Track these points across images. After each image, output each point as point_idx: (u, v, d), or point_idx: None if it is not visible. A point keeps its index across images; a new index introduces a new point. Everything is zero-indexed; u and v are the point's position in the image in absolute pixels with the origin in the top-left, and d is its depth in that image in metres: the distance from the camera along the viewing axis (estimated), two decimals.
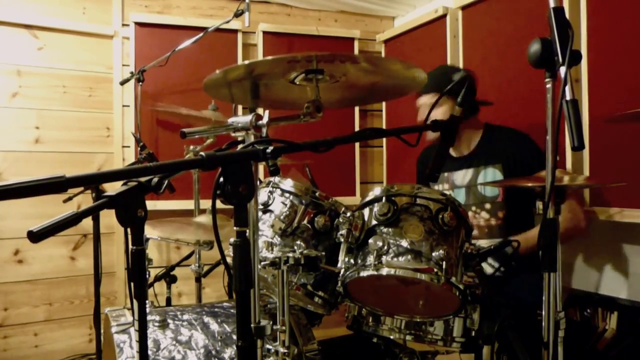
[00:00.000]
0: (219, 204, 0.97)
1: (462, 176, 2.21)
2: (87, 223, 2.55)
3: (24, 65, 2.92)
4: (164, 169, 0.90)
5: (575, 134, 1.04)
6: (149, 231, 2.22)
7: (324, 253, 1.48)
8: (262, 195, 1.64)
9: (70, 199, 2.61)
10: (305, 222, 1.59)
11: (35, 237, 0.74)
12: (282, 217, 1.59)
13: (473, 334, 1.54)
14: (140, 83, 2.81)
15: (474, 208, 2.15)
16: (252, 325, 1.12)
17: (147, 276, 2.27)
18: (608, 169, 2.02)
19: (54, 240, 2.83)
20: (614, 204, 2.00)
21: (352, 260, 1.50)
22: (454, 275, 1.43)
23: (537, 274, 1.34)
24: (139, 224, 0.88)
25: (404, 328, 1.59)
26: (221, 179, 0.95)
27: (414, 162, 2.57)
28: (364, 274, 1.44)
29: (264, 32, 3.26)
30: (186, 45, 2.62)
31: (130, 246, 0.90)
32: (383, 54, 3.50)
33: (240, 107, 2.82)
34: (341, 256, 1.51)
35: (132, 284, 0.91)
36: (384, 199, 1.50)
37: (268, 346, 1.34)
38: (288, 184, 1.64)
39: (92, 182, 0.85)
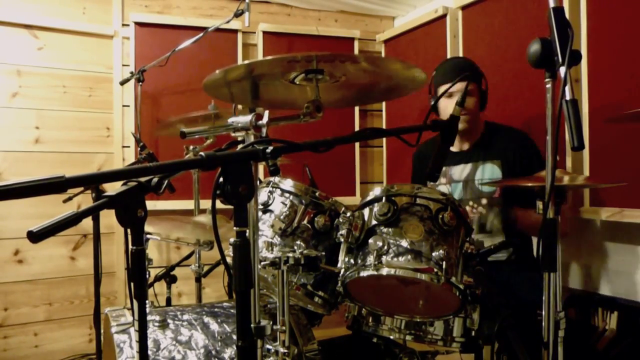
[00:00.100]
0: (219, 204, 0.97)
1: (460, 171, 2.21)
2: (87, 223, 2.55)
3: (24, 65, 2.92)
4: (164, 169, 0.90)
5: (575, 134, 1.04)
6: (148, 228, 2.22)
7: (324, 253, 1.48)
8: (262, 195, 1.64)
9: (70, 199, 2.61)
10: (305, 222, 1.59)
11: (35, 237, 0.74)
12: (282, 217, 1.58)
13: (473, 334, 1.54)
14: (140, 83, 2.81)
15: (471, 203, 2.15)
16: (252, 325, 1.12)
17: (147, 276, 2.27)
18: (608, 169, 2.02)
19: (54, 240, 2.83)
20: (614, 204, 2.00)
21: (352, 260, 1.50)
22: (454, 275, 1.43)
23: (537, 274, 1.34)
24: (139, 224, 0.88)
25: (404, 328, 1.59)
26: (221, 179, 0.95)
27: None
28: (364, 274, 1.44)
29: (264, 32, 3.26)
30: (186, 45, 2.62)
31: (130, 246, 0.90)
32: (383, 54, 3.50)
33: (234, 106, 2.82)
34: (341, 256, 1.51)
35: (132, 284, 0.91)
36: (384, 199, 1.50)
37: (268, 346, 1.34)
38: (288, 184, 1.64)
39: (92, 182, 0.85)
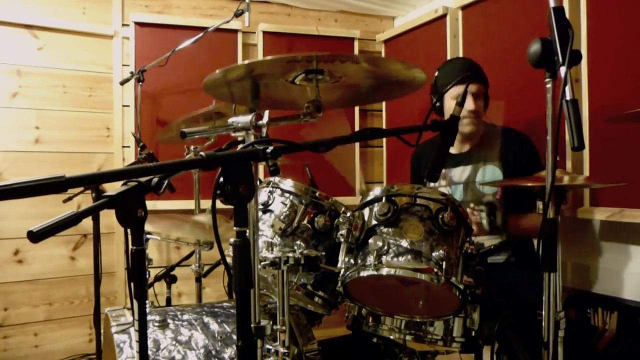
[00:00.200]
0: (219, 204, 0.97)
1: (460, 173, 2.21)
2: (87, 223, 2.56)
3: (24, 65, 2.92)
4: (164, 169, 0.90)
5: (575, 134, 1.04)
6: (148, 227, 2.22)
7: (324, 253, 1.48)
8: (262, 195, 1.64)
9: (70, 199, 2.61)
10: (305, 222, 1.59)
11: (35, 237, 0.74)
12: (282, 217, 1.58)
13: (473, 334, 1.54)
14: (140, 83, 2.81)
15: (472, 205, 2.15)
16: (252, 325, 1.12)
17: (147, 276, 2.27)
18: (608, 169, 2.02)
19: (54, 240, 2.83)
20: (614, 204, 2.00)
21: (352, 260, 1.50)
22: (454, 275, 1.43)
23: (537, 274, 1.34)
24: (139, 224, 0.88)
25: (404, 328, 1.59)
26: (221, 179, 0.95)
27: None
28: (364, 274, 1.44)
29: (264, 32, 3.26)
30: (186, 45, 2.62)
31: (130, 246, 0.90)
32: (383, 54, 3.50)
33: (234, 107, 2.83)
34: (341, 256, 1.51)
35: (132, 284, 0.91)
36: (384, 199, 1.50)
37: (268, 346, 1.34)
38: (288, 184, 1.64)
39: (92, 182, 0.85)
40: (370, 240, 1.44)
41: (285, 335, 1.32)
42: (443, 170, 2.25)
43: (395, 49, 3.40)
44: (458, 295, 1.42)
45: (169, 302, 2.59)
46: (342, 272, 1.51)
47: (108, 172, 0.84)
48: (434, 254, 1.41)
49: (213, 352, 1.55)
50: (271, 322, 1.18)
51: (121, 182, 0.89)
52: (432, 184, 2.16)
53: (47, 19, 2.95)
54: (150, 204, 1.96)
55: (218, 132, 1.42)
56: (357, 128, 3.47)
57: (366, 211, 1.55)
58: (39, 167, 2.93)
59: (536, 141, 2.11)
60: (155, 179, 0.91)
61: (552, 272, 1.27)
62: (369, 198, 1.57)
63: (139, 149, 2.37)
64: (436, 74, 2.22)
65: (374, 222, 1.50)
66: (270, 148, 1.02)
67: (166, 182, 0.93)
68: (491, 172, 2.12)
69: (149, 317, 1.59)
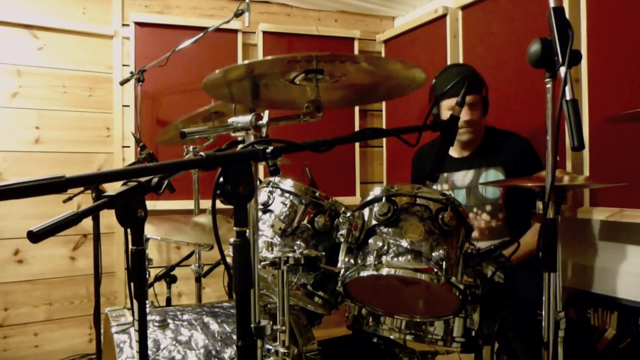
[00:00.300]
0: (219, 204, 0.97)
1: (462, 177, 2.21)
2: (87, 223, 2.55)
3: (24, 65, 2.92)
4: (163, 169, 0.90)
5: (575, 134, 1.04)
6: (148, 230, 2.22)
7: (324, 253, 1.48)
8: (262, 195, 1.64)
9: (70, 199, 2.60)
10: (305, 222, 1.59)
11: (35, 237, 0.74)
12: (282, 217, 1.59)
13: (473, 334, 1.54)
14: (140, 83, 2.81)
15: (474, 209, 2.15)
16: (252, 325, 1.12)
17: (147, 276, 2.27)
18: (608, 169, 2.02)
19: (54, 240, 2.83)
20: (614, 204, 2.00)
21: (352, 260, 1.50)
22: (454, 275, 1.43)
23: (537, 274, 1.34)
24: (139, 224, 0.88)
25: (404, 328, 1.59)
26: (221, 179, 0.95)
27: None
28: (364, 274, 1.44)
29: (264, 32, 3.26)
30: (186, 45, 2.62)
31: (130, 246, 0.90)
32: (383, 54, 3.50)
33: (234, 107, 2.82)
34: (341, 256, 1.51)
35: (132, 284, 0.91)
36: (384, 199, 1.50)
37: (268, 346, 1.34)
38: (288, 184, 1.64)
39: (92, 182, 0.85)
40: (370, 240, 1.44)
41: (285, 335, 1.32)
42: (445, 175, 2.25)
43: (395, 49, 3.40)
44: (458, 295, 1.42)
45: (169, 302, 2.59)
46: (342, 272, 1.51)
47: (108, 172, 0.84)
48: (434, 254, 1.41)
49: (213, 352, 1.55)
50: (271, 322, 1.18)
51: (121, 182, 0.89)
52: (433, 185, 2.16)
53: (47, 19, 2.95)
54: (150, 204, 1.96)
55: (218, 132, 1.42)
56: (357, 128, 3.47)
57: (366, 211, 1.55)
58: (39, 167, 2.93)
59: (536, 142, 2.11)
60: (155, 179, 0.91)
61: (552, 272, 1.27)
62: (369, 198, 1.57)
63: (139, 149, 2.37)
64: (434, 81, 2.22)
65: (374, 222, 1.50)
66: (270, 148, 1.02)
67: (166, 182, 0.93)
68: (494, 177, 2.12)
69: (149, 317, 1.59)
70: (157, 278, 2.52)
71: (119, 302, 3.09)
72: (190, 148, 2.51)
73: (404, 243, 1.43)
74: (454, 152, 2.26)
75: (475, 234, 2.12)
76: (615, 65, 2.00)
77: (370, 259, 1.43)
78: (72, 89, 3.03)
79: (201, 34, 2.58)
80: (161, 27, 3.08)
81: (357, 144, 3.48)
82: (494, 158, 2.14)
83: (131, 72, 2.92)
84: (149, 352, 1.49)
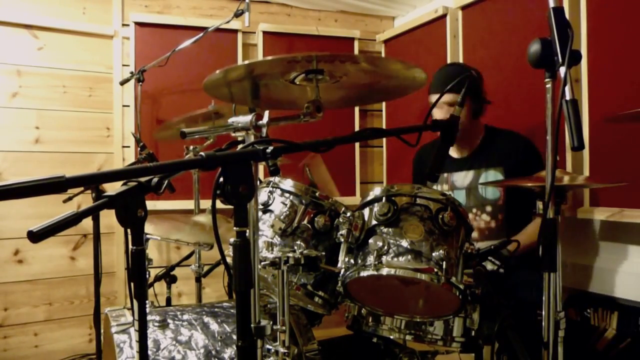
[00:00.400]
0: (219, 204, 0.97)
1: (462, 178, 2.21)
2: (87, 223, 2.56)
3: (24, 65, 2.92)
4: (164, 169, 0.90)
5: (575, 134, 1.04)
6: (148, 229, 2.22)
7: (324, 253, 1.48)
8: (262, 195, 1.64)
9: (70, 199, 2.61)
10: (305, 222, 1.59)
11: (35, 237, 0.74)
12: (282, 217, 1.58)
13: (473, 334, 1.54)
14: (140, 83, 2.81)
15: (474, 210, 2.15)
16: (252, 325, 1.12)
17: (147, 276, 2.27)
18: (608, 169, 2.02)
19: (54, 240, 2.83)
20: (614, 204, 2.00)
21: (352, 260, 1.50)
22: (454, 275, 1.43)
23: (537, 274, 1.34)
24: (139, 224, 0.88)
25: (404, 328, 1.59)
26: (221, 179, 0.95)
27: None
28: (364, 274, 1.44)
29: (264, 32, 3.26)
30: (186, 45, 2.62)
31: (130, 246, 0.90)
32: (383, 54, 3.50)
33: (234, 106, 2.82)
34: (341, 256, 1.51)
35: (132, 284, 0.91)
36: (384, 199, 1.50)
37: (268, 346, 1.34)
38: (288, 184, 1.64)
39: (92, 182, 0.85)
40: (370, 240, 1.44)
41: (285, 335, 1.32)
42: (445, 175, 2.25)
43: (395, 49, 3.40)
44: (458, 295, 1.42)
45: (169, 302, 2.59)
46: (342, 272, 1.51)
47: (108, 172, 0.84)
48: (434, 254, 1.41)
49: (213, 352, 1.55)
50: (271, 322, 1.18)
51: (121, 182, 0.89)
52: (433, 186, 2.16)
53: (47, 19, 2.95)
54: (150, 204, 1.96)
55: (218, 132, 1.42)
56: (357, 128, 3.47)
57: (366, 211, 1.55)
58: (39, 167, 2.93)
59: (536, 142, 2.11)
60: (155, 179, 0.91)
61: (552, 272, 1.27)
62: (369, 198, 1.57)
63: (139, 149, 2.36)
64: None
65: (374, 222, 1.50)
66: (270, 148, 1.02)
67: (166, 182, 0.93)
68: (493, 177, 2.12)
69: (149, 317, 1.59)
70: (157, 278, 2.52)
71: (119, 302, 3.09)
72: (191, 148, 2.51)
73: (404, 243, 1.43)
74: (453, 152, 2.26)
75: (474, 234, 2.11)
76: (615, 65, 2.00)
77: (370, 259, 1.43)
78: (72, 89, 3.03)
79: (201, 34, 2.58)
80: (161, 27, 3.08)
81: (357, 144, 3.48)
82: (493, 158, 2.13)
83: (131, 72, 2.92)
84: (149, 352, 1.49)
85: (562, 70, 1.08)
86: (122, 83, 2.98)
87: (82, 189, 2.53)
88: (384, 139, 3.52)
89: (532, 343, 1.41)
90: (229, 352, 1.56)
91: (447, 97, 2.13)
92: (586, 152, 2.08)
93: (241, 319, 0.98)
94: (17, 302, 2.90)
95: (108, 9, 3.10)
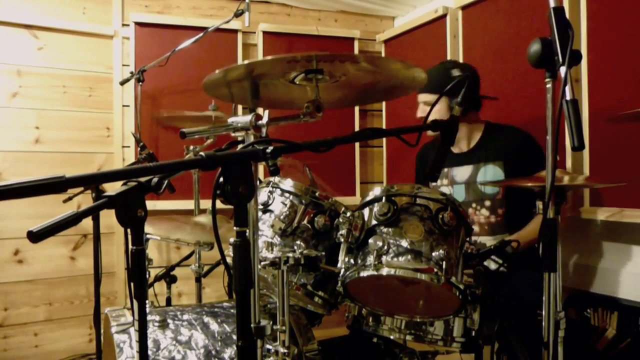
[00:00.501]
0: (219, 204, 0.97)
1: (462, 172, 2.21)
2: (87, 223, 2.55)
3: (24, 65, 2.92)
4: (164, 169, 0.90)
5: (575, 134, 1.04)
6: (148, 229, 2.22)
7: (324, 253, 1.48)
8: (262, 195, 1.64)
9: (70, 199, 2.60)
10: (305, 222, 1.59)
11: (35, 237, 0.74)
12: (282, 217, 1.59)
13: (473, 334, 1.54)
14: (140, 83, 2.81)
15: (474, 205, 2.15)
16: (252, 325, 1.12)
17: (147, 276, 2.27)
18: (608, 169, 2.02)
19: (54, 240, 2.83)
20: (614, 204, 2.00)
21: (352, 260, 1.50)
22: (454, 275, 1.43)
23: (537, 274, 1.33)
24: (139, 224, 0.88)
25: (404, 328, 1.59)
26: (221, 179, 0.95)
27: (414, 162, 2.57)
28: (364, 274, 1.44)
29: (264, 32, 3.26)
30: (186, 45, 2.62)
31: (130, 246, 0.90)
32: (383, 54, 3.50)
33: (240, 107, 2.83)
34: (341, 256, 1.51)
35: (132, 284, 0.91)
36: (384, 199, 1.50)
37: (268, 346, 1.34)
38: (288, 184, 1.64)
39: (92, 182, 0.85)
40: (370, 240, 1.44)
41: (285, 335, 1.32)
42: (445, 170, 2.25)
43: (395, 49, 3.40)
44: (458, 295, 1.42)
45: (169, 302, 2.59)
46: (342, 272, 1.51)
47: (108, 172, 0.84)
48: (434, 254, 1.41)
49: (213, 352, 1.55)
50: (271, 322, 1.18)
51: (121, 182, 0.89)
52: (433, 184, 2.16)
53: (47, 19, 2.95)
54: (150, 204, 1.96)
55: (218, 132, 1.42)
56: (357, 128, 3.47)
57: (366, 211, 1.55)
58: (39, 167, 2.93)
59: (536, 141, 2.11)
60: (155, 179, 0.91)
61: (552, 272, 1.27)
62: (369, 198, 1.57)
63: (139, 149, 2.36)
64: None
65: (374, 222, 1.50)
66: (270, 148, 1.02)
67: (166, 182, 0.93)
68: (492, 171, 2.12)
69: (149, 317, 1.59)
70: (157, 278, 2.52)
71: (119, 302, 3.09)
72: (190, 148, 2.51)
73: (404, 243, 1.43)
74: (454, 147, 2.26)
75: (475, 228, 2.11)
76: (615, 65, 2.00)
77: (370, 259, 1.43)
78: (72, 89, 3.03)
79: (201, 34, 2.58)
80: (161, 27, 3.08)
81: (357, 144, 3.48)
82: (492, 152, 2.13)
83: (131, 72, 2.92)
84: (149, 352, 1.49)
85: (563, 70, 1.08)
86: (122, 83, 2.98)
87: (82, 189, 2.53)
88: (384, 139, 3.52)
89: (532, 343, 1.41)
90: (229, 352, 1.56)
91: (424, 97, 2.25)
92: (586, 152, 2.08)
93: (241, 319, 0.98)
94: (17, 302, 2.90)
95: (108, 9, 3.10)
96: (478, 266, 1.51)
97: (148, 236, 2.31)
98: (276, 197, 1.63)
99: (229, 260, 1.22)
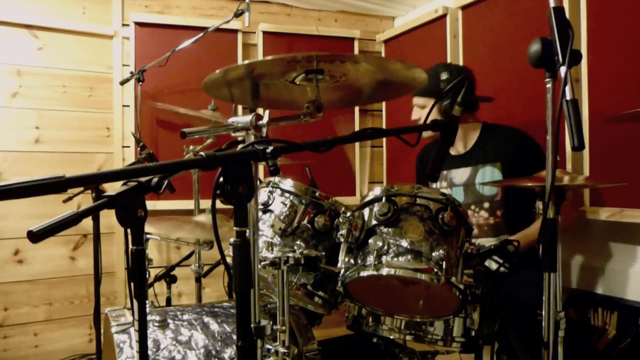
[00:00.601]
0: (219, 204, 0.97)
1: (461, 174, 2.21)
2: (87, 223, 2.55)
3: (24, 65, 2.92)
4: (164, 169, 0.90)
5: (575, 134, 1.04)
6: (148, 229, 2.22)
7: (324, 253, 1.48)
8: (262, 195, 1.64)
9: (70, 199, 2.61)
10: (305, 222, 1.59)
11: (35, 237, 0.74)
12: (282, 217, 1.59)
13: (473, 334, 1.54)
14: (140, 83, 2.81)
15: (472, 207, 2.15)
16: (252, 325, 1.12)
17: (147, 276, 2.27)
18: (608, 169, 2.02)
19: (54, 240, 2.83)
20: (614, 204, 2.00)
21: (352, 260, 1.50)
22: (454, 275, 1.43)
23: (537, 274, 1.33)
24: (139, 224, 0.88)
25: (404, 328, 1.59)
26: (221, 179, 0.95)
27: (414, 162, 2.58)
28: (364, 274, 1.44)
29: (264, 32, 3.26)
30: (186, 45, 2.62)
31: (130, 246, 0.90)
32: (383, 54, 3.50)
33: (240, 107, 2.83)
34: (341, 256, 1.51)
35: (132, 284, 0.91)
36: (384, 199, 1.50)
37: (268, 346, 1.34)
38: (288, 184, 1.64)
39: (92, 182, 0.85)
40: (370, 240, 1.44)
41: (285, 335, 1.32)
42: (444, 172, 2.25)
43: (395, 49, 3.40)
44: (458, 295, 1.42)
45: (169, 302, 2.59)
46: (342, 272, 1.51)
47: (108, 172, 0.84)
48: (434, 254, 1.41)
49: (213, 352, 1.55)
50: (271, 322, 1.18)
51: (121, 182, 0.89)
52: (433, 185, 2.16)
53: (47, 19, 2.95)
54: (150, 204, 1.96)
55: (218, 132, 1.42)
56: (357, 128, 3.47)
57: (366, 211, 1.55)
58: (39, 167, 2.93)
59: (536, 141, 2.11)
60: (155, 179, 0.91)
61: (552, 272, 1.27)
62: (369, 198, 1.57)
63: (139, 149, 2.37)
64: None
65: (374, 222, 1.50)
66: (270, 148, 1.02)
67: (166, 182, 0.93)
68: (490, 173, 2.12)
69: (149, 317, 1.59)
70: (157, 278, 2.52)
71: (119, 302, 3.09)
72: (190, 148, 2.51)
73: (404, 243, 1.43)
74: (451, 149, 2.26)
75: (474, 231, 2.11)
76: (615, 65, 2.00)
77: (370, 259, 1.43)
78: (72, 89, 3.03)
79: (201, 34, 2.58)
80: (161, 27, 3.07)
81: (357, 144, 3.48)
82: (490, 154, 2.13)
83: (131, 72, 2.92)
84: (149, 352, 1.49)
85: (563, 70, 1.08)
86: (122, 83, 2.98)
87: (82, 189, 2.54)
88: (384, 139, 3.52)
89: (532, 343, 1.41)
90: (229, 352, 1.56)
91: (415, 100, 2.28)
92: (586, 152, 2.08)
93: (241, 319, 0.98)
94: (17, 302, 2.90)
95: (108, 9, 3.10)
96: (478, 266, 1.51)
97: (148, 236, 2.31)
98: (276, 197, 1.63)
99: (229, 260, 1.22)
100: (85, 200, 2.79)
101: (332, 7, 3.56)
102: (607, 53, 2.03)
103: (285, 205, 1.60)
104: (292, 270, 1.41)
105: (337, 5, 3.54)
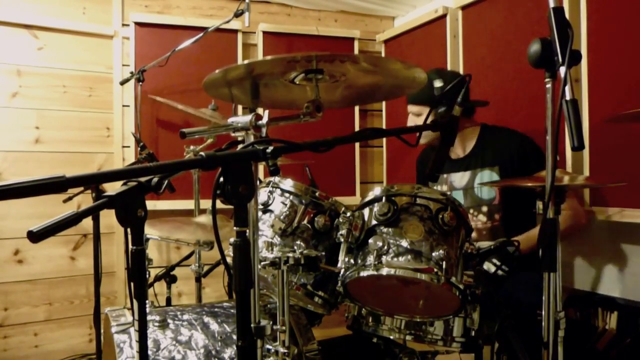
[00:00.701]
0: (219, 204, 0.97)
1: (460, 178, 2.21)
2: (87, 223, 2.56)
3: (24, 65, 2.92)
4: (164, 169, 0.90)
5: (575, 134, 1.04)
6: (149, 230, 2.23)
7: (324, 253, 1.48)
8: (262, 195, 1.64)
9: (70, 199, 2.61)
10: (305, 222, 1.59)
11: (35, 237, 0.74)
12: (282, 217, 1.59)
13: (473, 334, 1.54)
14: (140, 83, 2.81)
15: (471, 211, 2.14)
16: (252, 325, 1.12)
17: (147, 276, 2.27)
18: (608, 169, 2.02)
19: (54, 240, 2.83)
20: (614, 204, 2.00)
21: (352, 260, 1.50)
22: (454, 275, 1.43)
23: (537, 274, 1.33)
24: (139, 224, 0.88)
25: (404, 328, 1.59)
26: (221, 179, 0.95)
27: (414, 162, 2.58)
28: (364, 274, 1.44)
29: (264, 32, 3.26)
30: (186, 45, 2.62)
31: (130, 246, 0.90)
32: (383, 54, 3.50)
33: (240, 107, 2.83)
34: (341, 256, 1.51)
35: (132, 284, 0.91)
36: (384, 199, 1.50)
37: (268, 346, 1.34)
38: (288, 184, 1.64)
39: (92, 182, 0.85)
40: (370, 240, 1.44)
41: (285, 335, 1.32)
42: (444, 176, 2.25)
43: (395, 49, 3.40)
44: (458, 295, 1.42)
45: (169, 302, 2.59)
46: (342, 272, 1.51)
47: (108, 172, 0.84)
48: (434, 254, 1.41)
49: (213, 352, 1.55)
50: (271, 322, 1.18)
51: (121, 182, 0.89)
52: (433, 185, 2.16)
53: (47, 19, 2.95)
54: (150, 204, 1.97)
55: (218, 132, 1.42)
56: (357, 128, 3.47)
57: (366, 211, 1.55)
58: (39, 167, 2.93)
59: (536, 142, 2.11)
60: (155, 179, 0.91)
61: (552, 272, 1.27)
62: (369, 198, 1.57)
63: (139, 149, 2.37)
64: None
65: (374, 222, 1.50)
66: (270, 148, 1.02)
67: (166, 182, 0.93)
68: (488, 177, 2.11)
69: (149, 317, 1.59)
70: (157, 278, 2.52)
71: (119, 302, 3.09)
72: (191, 148, 2.51)
73: (404, 243, 1.43)
74: (451, 152, 2.25)
75: (473, 235, 2.11)
76: (615, 65, 2.00)
77: (370, 259, 1.43)
78: (72, 89, 3.03)
79: (201, 34, 2.58)
80: (161, 27, 3.07)
81: (357, 144, 3.48)
82: (488, 158, 2.13)
83: (131, 72, 2.92)
84: (149, 352, 1.49)
85: (562, 70, 1.08)
86: (122, 83, 2.98)
87: (82, 189, 2.54)
88: (384, 139, 3.52)
89: (532, 343, 1.41)
90: (229, 352, 1.56)
91: (409, 108, 2.25)
92: (586, 152, 2.08)
93: (241, 319, 0.98)
94: (17, 302, 2.90)
95: (108, 9, 3.10)
96: (478, 266, 1.51)
97: (148, 236, 2.31)
98: (276, 197, 1.63)
99: (229, 260, 1.22)
100: (85, 200, 2.79)
101: (332, 7, 3.56)
102: (607, 53, 2.03)
103: (285, 205, 1.60)
104: (292, 270, 1.41)
105: (337, 5, 3.54)
